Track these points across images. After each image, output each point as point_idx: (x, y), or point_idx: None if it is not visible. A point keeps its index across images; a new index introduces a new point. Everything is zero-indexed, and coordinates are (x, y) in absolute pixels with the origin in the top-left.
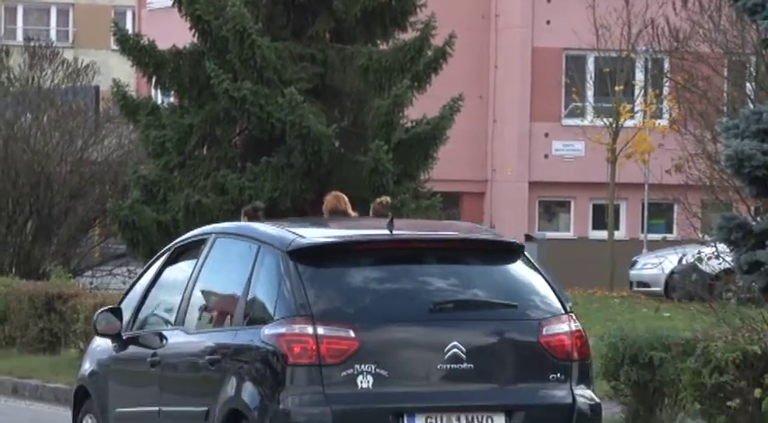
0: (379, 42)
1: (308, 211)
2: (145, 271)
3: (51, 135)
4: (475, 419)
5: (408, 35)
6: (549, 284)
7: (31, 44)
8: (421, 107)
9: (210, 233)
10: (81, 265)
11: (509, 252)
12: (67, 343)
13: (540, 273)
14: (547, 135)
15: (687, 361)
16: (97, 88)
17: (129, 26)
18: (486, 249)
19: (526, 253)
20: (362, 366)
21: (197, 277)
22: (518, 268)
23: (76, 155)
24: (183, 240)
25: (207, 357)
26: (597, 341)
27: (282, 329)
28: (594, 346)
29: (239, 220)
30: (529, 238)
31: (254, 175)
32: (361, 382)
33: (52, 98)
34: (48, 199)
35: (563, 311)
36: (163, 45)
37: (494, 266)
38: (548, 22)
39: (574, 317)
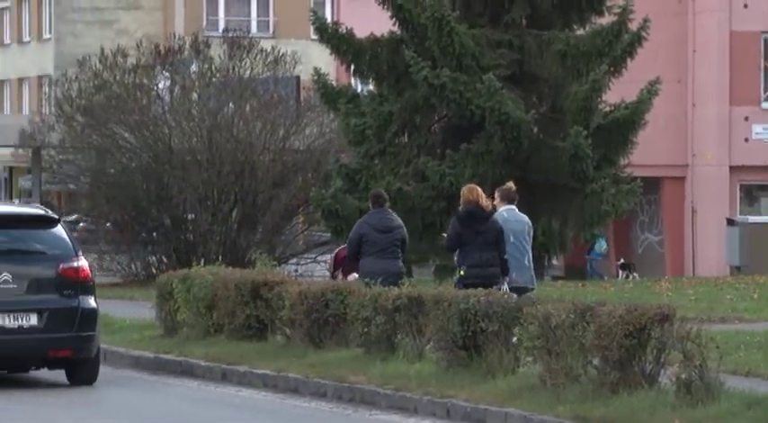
0: (575, 27)
1: None
2: None
3: (254, 124)
4: (20, 317)
5: (605, 20)
6: (71, 241)
7: (230, 35)
8: (619, 92)
9: None
10: (285, 253)
11: (50, 221)
12: (273, 329)
13: (68, 235)
14: (746, 119)
15: None
16: (298, 78)
17: (327, 15)
18: (34, 220)
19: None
20: None
21: None
22: (54, 231)
23: (279, 144)
24: None
25: None
26: None
27: None
28: None
29: (439, 207)
30: (731, 222)
31: (453, 162)
32: None
33: (254, 88)
34: (252, 187)
35: (74, 255)
36: (361, 33)
37: (37, 230)
38: (745, 6)
39: (81, 257)
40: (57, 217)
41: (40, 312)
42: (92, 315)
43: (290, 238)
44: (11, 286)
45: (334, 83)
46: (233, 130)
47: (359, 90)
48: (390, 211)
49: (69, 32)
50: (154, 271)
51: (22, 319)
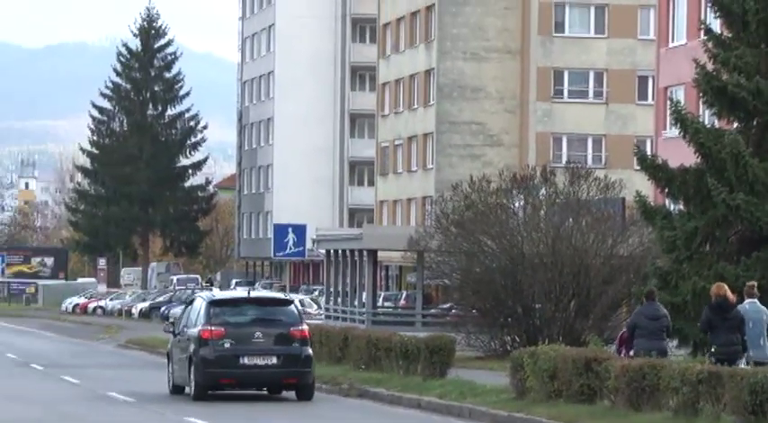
0: None
1: None
2: None
3: (588, 235)
4: (267, 359)
5: None
6: (299, 314)
7: (571, 166)
8: None
9: None
10: (612, 336)
11: (287, 302)
12: (601, 396)
13: (298, 310)
14: None
15: None
16: (623, 199)
17: (647, 150)
18: (278, 301)
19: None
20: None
21: None
22: (290, 308)
23: (607, 250)
24: None
25: None
26: None
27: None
28: None
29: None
30: None
31: (746, 266)
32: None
33: (588, 207)
34: (586, 284)
35: (300, 322)
36: (673, 164)
37: (280, 306)
38: None
39: (304, 323)
40: (291, 299)
41: (278, 356)
42: (309, 358)
43: (615, 323)
44: (261, 340)
45: (651, 203)
46: (572, 240)
47: (671, 209)
48: (659, 303)
49: (447, 164)
50: (508, 348)
51: (268, 360)
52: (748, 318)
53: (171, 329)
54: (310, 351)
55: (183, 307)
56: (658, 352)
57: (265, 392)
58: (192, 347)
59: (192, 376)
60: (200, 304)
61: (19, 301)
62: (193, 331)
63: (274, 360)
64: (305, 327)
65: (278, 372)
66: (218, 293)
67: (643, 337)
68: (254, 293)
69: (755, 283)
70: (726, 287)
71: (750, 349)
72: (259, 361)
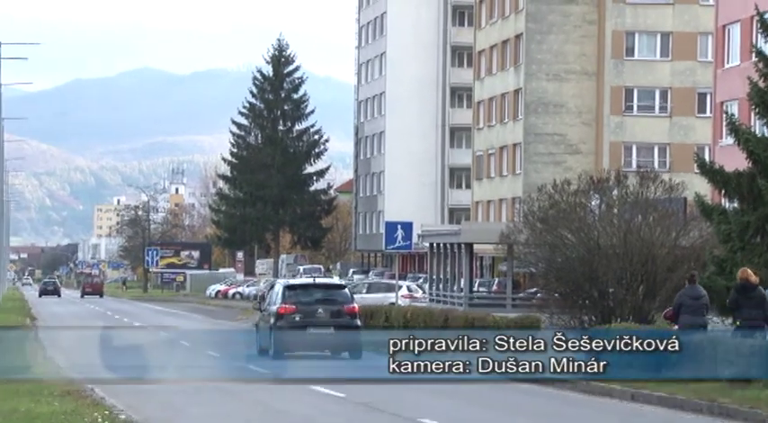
0: None
1: None
2: None
3: (654, 229)
4: (325, 329)
5: None
6: (350, 294)
7: (640, 170)
8: None
9: None
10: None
11: (341, 286)
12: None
13: (350, 292)
14: None
15: None
16: (685, 199)
17: (706, 156)
18: (335, 286)
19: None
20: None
21: None
22: (344, 290)
23: (671, 242)
24: None
25: None
26: None
27: None
28: None
29: None
30: None
31: None
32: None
33: (655, 205)
34: (653, 271)
35: (351, 301)
36: (729, 168)
37: (336, 290)
38: None
39: (354, 302)
40: (344, 284)
41: (335, 326)
42: (357, 327)
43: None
44: (322, 315)
45: (709, 202)
46: (640, 233)
47: (726, 206)
48: (699, 286)
49: (533, 169)
50: (585, 326)
51: (327, 330)
52: None
53: (258, 307)
54: (358, 322)
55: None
56: (700, 326)
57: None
58: (272, 320)
59: (272, 342)
60: (278, 288)
61: (170, 289)
62: (273, 308)
63: (332, 329)
64: (355, 305)
65: (335, 338)
66: (292, 280)
67: (687, 314)
68: (318, 280)
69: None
70: (750, 271)
71: None
72: (321, 331)
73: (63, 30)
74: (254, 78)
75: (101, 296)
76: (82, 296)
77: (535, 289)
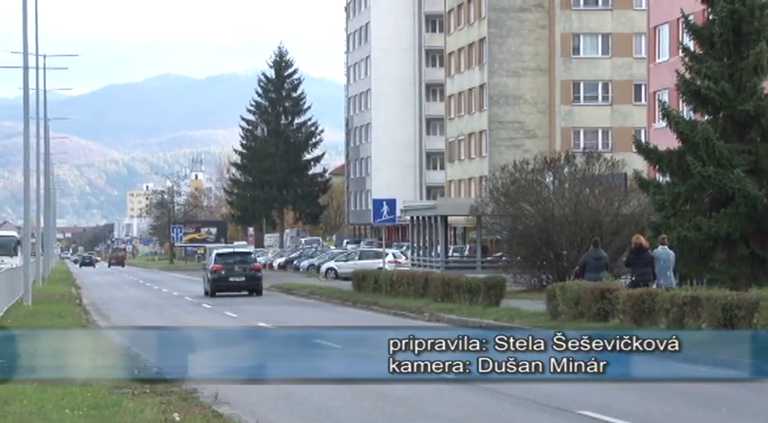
0: None
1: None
2: None
3: (600, 200)
4: (238, 278)
5: None
6: (254, 257)
7: (586, 151)
8: None
9: None
10: (619, 273)
11: (249, 253)
12: (612, 316)
13: (253, 254)
14: None
15: None
16: (625, 174)
17: (643, 138)
18: (246, 253)
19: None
20: None
21: None
22: (252, 254)
23: (614, 211)
24: None
25: None
26: None
27: None
28: None
29: (708, 246)
30: None
31: (716, 220)
32: None
33: (600, 180)
34: (599, 235)
35: (255, 261)
36: (661, 147)
37: (246, 254)
38: None
39: (258, 261)
40: (251, 251)
41: (246, 277)
42: (259, 277)
43: (620, 264)
44: (238, 270)
45: (646, 176)
46: (588, 204)
47: (660, 180)
48: (601, 249)
49: (497, 152)
50: (544, 283)
51: (239, 279)
52: (660, 258)
53: (203, 267)
54: (260, 274)
55: (307, 259)
56: (598, 280)
57: (242, 294)
58: (209, 275)
59: (209, 287)
60: (213, 254)
61: (192, 260)
62: (210, 267)
63: (243, 279)
64: (258, 263)
65: (245, 284)
66: (220, 249)
67: (590, 272)
68: (236, 249)
69: (665, 236)
70: (642, 238)
71: (660, 278)
72: (237, 279)
73: (98, 43)
74: (260, 80)
75: (122, 266)
76: (109, 266)
77: (500, 253)
